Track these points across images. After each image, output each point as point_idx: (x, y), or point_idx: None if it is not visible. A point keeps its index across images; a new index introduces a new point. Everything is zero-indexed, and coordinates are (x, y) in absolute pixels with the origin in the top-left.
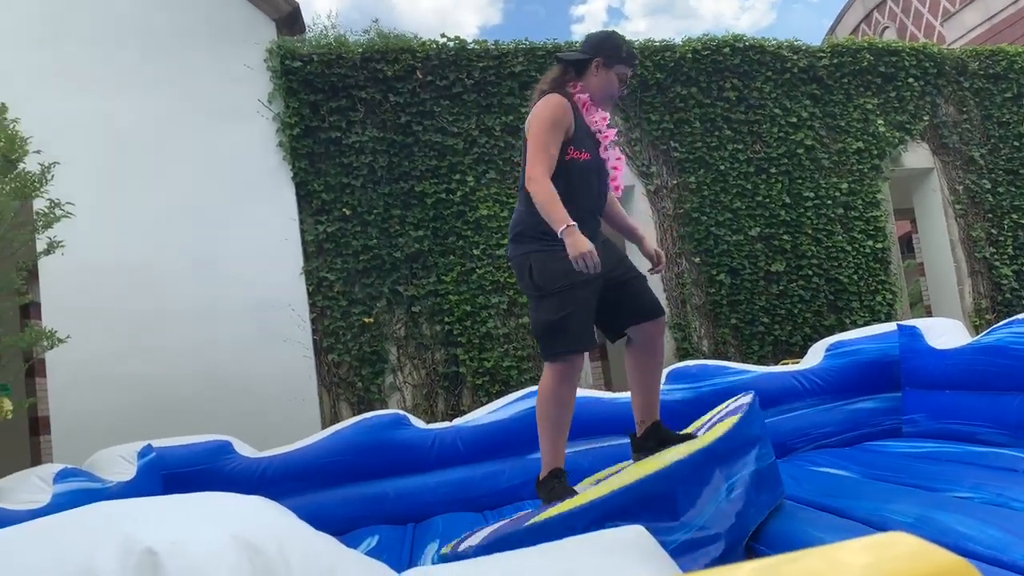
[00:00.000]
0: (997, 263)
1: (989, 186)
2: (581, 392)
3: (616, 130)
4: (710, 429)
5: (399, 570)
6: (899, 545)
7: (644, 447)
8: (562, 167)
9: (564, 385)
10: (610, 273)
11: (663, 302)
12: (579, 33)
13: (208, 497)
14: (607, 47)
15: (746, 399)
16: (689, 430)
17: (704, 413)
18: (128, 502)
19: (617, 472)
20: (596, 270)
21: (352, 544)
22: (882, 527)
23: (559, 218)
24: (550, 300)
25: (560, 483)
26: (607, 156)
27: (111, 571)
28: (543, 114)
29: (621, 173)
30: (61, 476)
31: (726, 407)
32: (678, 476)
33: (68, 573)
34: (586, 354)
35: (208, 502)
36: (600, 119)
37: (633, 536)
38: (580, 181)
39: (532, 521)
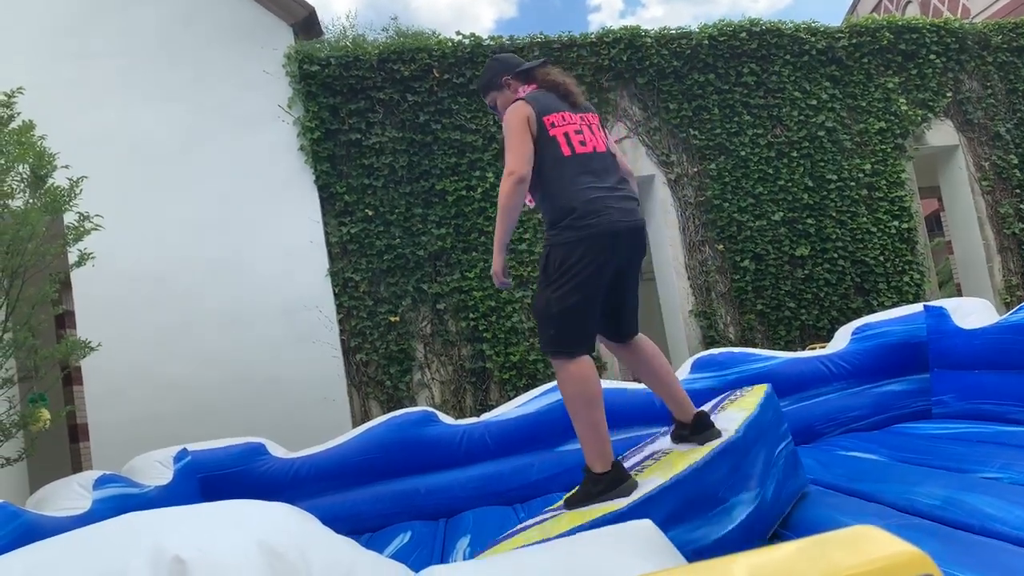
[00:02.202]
0: None
1: (1016, 161)
2: (609, 384)
3: None
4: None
5: (431, 565)
6: (864, 538)
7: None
8: None
9: None
10: None
11: (687, 290)
12: (596, 23)
13: (233, 505)
14: None
15: (759, 390)
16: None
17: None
18: (157, 512)
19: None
20: None
21: (385, 541)
22: (910, 510)
23: None
24: None
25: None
26: None
27: None
28: None
29: None
30: (100, 482)
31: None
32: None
33: None
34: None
35: (233, 510)
36: None
37: (641, 531)
38: None
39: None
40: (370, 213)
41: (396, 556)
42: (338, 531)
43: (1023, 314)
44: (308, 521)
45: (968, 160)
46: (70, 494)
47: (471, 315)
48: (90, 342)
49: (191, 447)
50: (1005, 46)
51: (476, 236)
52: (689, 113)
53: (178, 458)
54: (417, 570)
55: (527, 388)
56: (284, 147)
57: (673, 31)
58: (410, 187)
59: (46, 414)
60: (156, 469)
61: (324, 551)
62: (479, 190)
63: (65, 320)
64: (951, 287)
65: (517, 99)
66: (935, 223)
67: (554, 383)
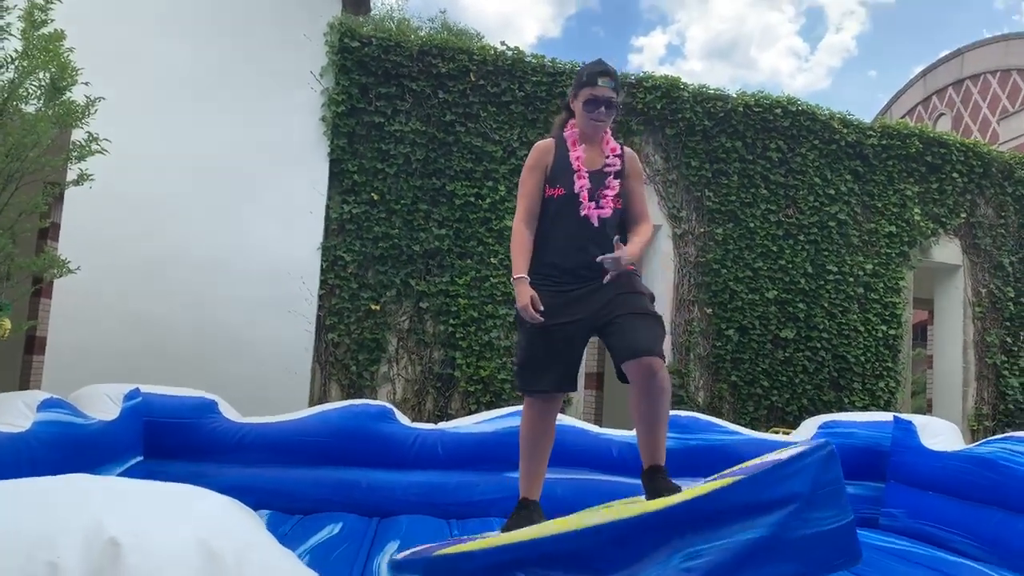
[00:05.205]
0: (1006, 372)
1: (1013, 294)
2: (567, 421)
3: (615, 163)
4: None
5: (353, 565)
6: None
7: (645, 488)
8: (543, 206)
9: (529, 420)
10: (593, 318)
11: (667, 345)
12: (635, 63)
13: (182, 491)
14: (574, 80)
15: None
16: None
17: (690, 466)
18: (104, 482)
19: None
20: (532, 321)
21: (315, 527)
22: None
23: (515, 267)
24: (519, 335)
25: (522, 513)
26: (605, 184)
27: (71, 556)
28: (526, 163)
29: (611, 195)
30: (45, 405)
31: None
32: (604, 537)
33: (27, 545)
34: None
35: (181, 497)
36: (609, 150)
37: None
38: (556, 217)
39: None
40: (375, 197)
41: (321, 547)
42: (271, 507)
43: (988, 448)
44: (254, 526)
45: (967, 283)
46: (12, 410)
47: (451, 321)
48: (68, 262)
49: (144, 388)
50: None
51: (474, 244)
52: (708, 174)
53: (129, 396)
54: (337, 567)
55: (490, 405)
56: (306, 113)
57: (711, 91)
58: (421, 181)
59: (7, 324)
60: (104, 402)
61: (261, 559)
62: (488, 200)
63: (49, 233)
64: (922, 399)
65: None
66: (919, 333)
67: (517, 407)
